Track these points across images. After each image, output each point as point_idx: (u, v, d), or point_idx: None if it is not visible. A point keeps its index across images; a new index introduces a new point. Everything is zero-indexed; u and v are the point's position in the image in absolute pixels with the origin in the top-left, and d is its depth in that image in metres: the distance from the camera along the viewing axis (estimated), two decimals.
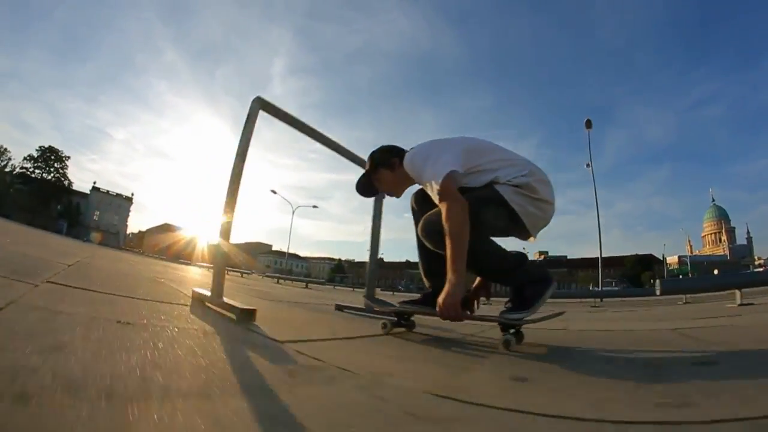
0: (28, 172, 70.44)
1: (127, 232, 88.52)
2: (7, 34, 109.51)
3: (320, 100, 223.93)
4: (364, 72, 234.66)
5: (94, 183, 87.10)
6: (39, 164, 71.72)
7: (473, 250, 1.68)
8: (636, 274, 73.17)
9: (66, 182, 74.96)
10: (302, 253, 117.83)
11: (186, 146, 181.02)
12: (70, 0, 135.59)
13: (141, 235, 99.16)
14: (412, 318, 2.15)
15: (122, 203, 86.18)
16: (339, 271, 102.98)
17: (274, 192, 42.41)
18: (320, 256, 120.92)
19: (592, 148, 23.63)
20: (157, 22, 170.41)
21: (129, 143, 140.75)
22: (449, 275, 1.67)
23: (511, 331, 1.73)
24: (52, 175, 72.93)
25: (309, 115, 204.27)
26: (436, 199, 1.79)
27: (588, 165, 23.54)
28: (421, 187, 2.00)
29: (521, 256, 1.91)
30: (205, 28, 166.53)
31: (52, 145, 74.81)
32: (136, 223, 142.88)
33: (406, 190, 2.17)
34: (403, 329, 2.10)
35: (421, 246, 2.02)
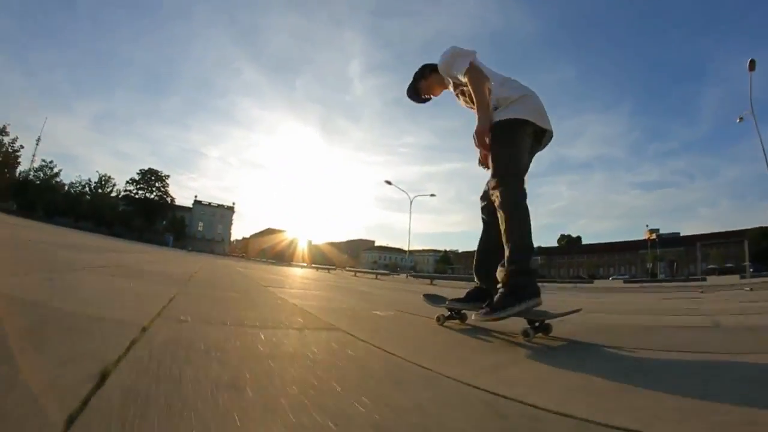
0: (132, 194, 76.93)
1: (232, 239, 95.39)
2: (98, 81, 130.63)
3: (402, 95, 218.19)
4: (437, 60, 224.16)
5: (195, 197, 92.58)
6: (141, 185, 77.80)
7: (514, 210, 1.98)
8: (763, 249, 60.30)
9: (168, 199, 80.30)
10: (406, 247, 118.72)
11: (278, 154, 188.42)
12: (147, 44, 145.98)
13: (245, 241, 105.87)
14: (463, 312, 2.43)
15: (224, 213, 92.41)
16: (445, 263, 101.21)
17: (388, 182, 39.68)
18: (424, 248, 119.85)
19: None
20: (230, 46, 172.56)
21: (223, 159, 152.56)
22: (477, 115, 2.14)
23: (536, 324, 1.93)
24: (154, 193, 78.52)
25: (394, 110, 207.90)
26: (462, 79, 2.28)
27: (741, 119, 18.78)
28: (488, 199, 2.25)
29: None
30: (278, 43, 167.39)
31: (152, 167, 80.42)
32: (240, 230, 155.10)
33: (441, 93, 2.67)
34: (456, 320, 2.44)
35: (478, 250, 2.37)
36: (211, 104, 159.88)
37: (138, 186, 78.05)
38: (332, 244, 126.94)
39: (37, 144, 71.33)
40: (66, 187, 72.65)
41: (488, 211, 2.28)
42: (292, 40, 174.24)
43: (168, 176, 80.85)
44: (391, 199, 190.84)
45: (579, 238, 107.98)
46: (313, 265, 41.04)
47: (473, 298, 2.29)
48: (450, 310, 2.43)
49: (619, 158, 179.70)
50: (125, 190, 77.53)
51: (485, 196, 2.31)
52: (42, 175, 68.73)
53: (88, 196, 72.83)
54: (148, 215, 75.73)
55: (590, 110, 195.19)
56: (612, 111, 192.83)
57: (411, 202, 37.17)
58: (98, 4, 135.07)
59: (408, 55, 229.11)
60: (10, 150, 58.85)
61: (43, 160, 71.37)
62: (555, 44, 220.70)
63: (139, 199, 77.02)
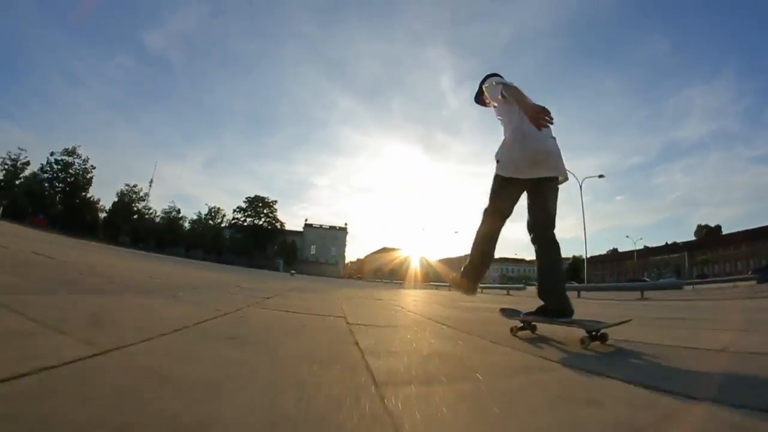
0: (240, 222, 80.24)
1: (346, 261, 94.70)
2: (205, 130, 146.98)
3: None
4: (527, 59, 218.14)
5: (306, 220, 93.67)
6: (249, 213, 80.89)
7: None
8: None
9: (278, 224, 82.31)
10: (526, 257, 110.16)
11: (385, 176, 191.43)
12: (244, 90, 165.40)
13: (360, 261, 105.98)
14: (533, 323, 2.75)
15: (337, 234, 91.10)
16: (574, 270, 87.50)
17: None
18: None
19: None
20: (322, 81, 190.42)
21: (332, 187, 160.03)
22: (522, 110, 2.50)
23: (593, 333, 2.23)
24: (262, 220, 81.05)
25: (490, 118, 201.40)
26: (496, 101, 2.86)
27: None
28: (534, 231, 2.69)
29: None
30: (367, 71, 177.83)
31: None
32: (354, 251, 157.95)
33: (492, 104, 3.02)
34: (527, 331, 2.74)
35: (538, 270, 2.63)
36: (313, 137, 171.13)
37: (245, 213, 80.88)
38: (448, 260, 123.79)
39: (150, 185, 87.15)
40: (180, 221, 79.45)
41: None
42: (380, 65, 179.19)
43: (275, 201, 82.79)
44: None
45: (719, 228, 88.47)
46: (432, 283, 40.35)
47: (542, 313, 2.58)
48: (522, 321, 2.74)
49: (733, 131, 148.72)
50: (233, 219, 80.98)
51: (531, 228, 2.70)
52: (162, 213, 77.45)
53: (197, 226, 79.02)
54: (257, 241, 77.93)
55: (692, 82, 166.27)
56: (717, 78, 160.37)
57: (581, 186, 30.44)
58: (193, 66, 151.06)
59: (494, 59, 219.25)
60: (81, 170, 64.26)
61: (170, 205, 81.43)
62: (640, 17, 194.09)
63: (247, 226, 79.68)
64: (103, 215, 69.61)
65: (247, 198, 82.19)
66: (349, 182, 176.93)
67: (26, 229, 22.25)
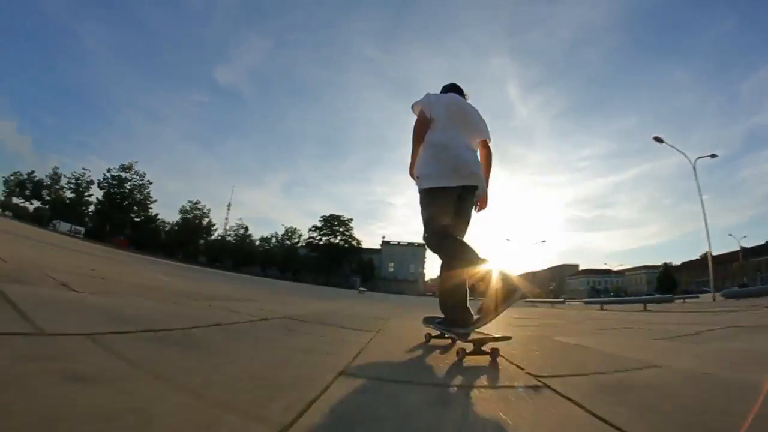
0: (315, 241, 80.00)
1: (426, 278, 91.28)
2: (281, 157, 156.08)
3: (566, 106, 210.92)
4: (591, 56, 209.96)
5: (383, 237, 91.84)
6: (324, 231, 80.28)
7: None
8: None
9: (354, 242, 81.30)
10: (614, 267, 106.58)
11: None
12: (316, 117, 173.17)
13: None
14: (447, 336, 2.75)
15: (416, 251, 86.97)
16: (666, 279, 74.37)
17: None
18: (632, 266, 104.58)
19: None
20: (390, 102, 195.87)
21: (409, 205, 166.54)
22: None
23: (477, 346, 2.29)
24: (338, 238, 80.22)
25: (562, 124, 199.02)
26: None
27: None
28: None
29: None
30: (433, 89, 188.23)
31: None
32: (435, 268, 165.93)
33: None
34: (445, 339, 2.79)
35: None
36: (387, 157, 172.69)
37: (321, 232, 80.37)
38: (532, 273, 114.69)
39: (228, 209, 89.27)
40: (257, 242, 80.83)
41: None
42: (446, 80, 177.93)
43: (351, 219, 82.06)
44: (581, 220, 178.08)
45: None
46: (530, 300, 38.34)
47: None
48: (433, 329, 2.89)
49: None
50: (309, 238, 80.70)
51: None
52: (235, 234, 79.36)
53: (267, 245, 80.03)
54: (333, 259, 77.37)
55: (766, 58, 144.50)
56: None
57: (694, 167, 25.70)
58: (265, 97, 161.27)
59: (557, 61, 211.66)
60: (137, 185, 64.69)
61: (237, 223, 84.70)
62: None
63: (323, 245, 79.21)
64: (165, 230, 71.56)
65: (322, 217, 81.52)
66: None
67: (122, 252, 22.96)
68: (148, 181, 66.76)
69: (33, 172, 62.81)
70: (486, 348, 2.25)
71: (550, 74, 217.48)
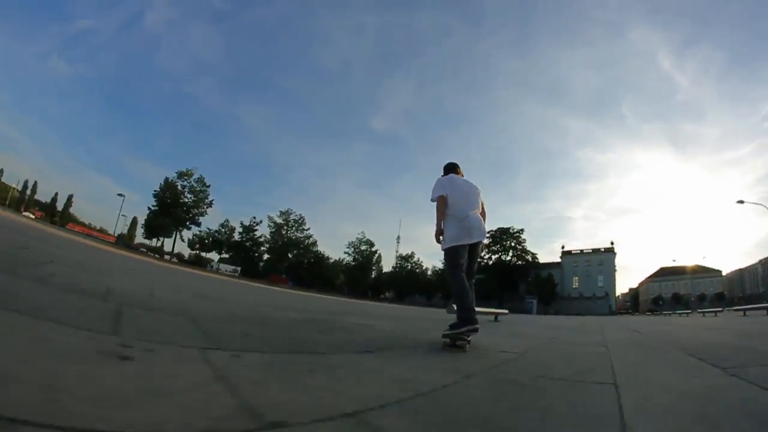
0: (484, 261, 70.84)
1: (617, 293, 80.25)
2: (381, 179, 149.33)
3: (729, 59, 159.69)
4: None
5: (563, 247, 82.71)
6: (493, 248, 73.27)
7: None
8: None
9: (528, 256, 74.43)
10: None
11: (642, 190, 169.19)
12: (474, 142, 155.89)
13: (634, 291, 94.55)
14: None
15: (603, 259, 77.03)
16: None
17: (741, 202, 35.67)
18: None
19: None
20: (543, 110, 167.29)
21: (588, 217, 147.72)
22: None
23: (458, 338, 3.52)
24: (510, 254, 73.86)
25: (733, 82, 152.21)
26: None
27: None
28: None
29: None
30: (582, 84, 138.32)
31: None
32: (626, 282, 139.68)
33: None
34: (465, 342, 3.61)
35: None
36: (555, 169, 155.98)
37: (490, 250, 72.77)
38: (738, 271, 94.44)
39: (397, 242, 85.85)
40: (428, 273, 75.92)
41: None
42: (591, 71, 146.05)
43: (522, 230, 74.83)
44: None
45: None
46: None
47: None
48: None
49: None
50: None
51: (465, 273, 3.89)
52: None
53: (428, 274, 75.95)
54: (504, 279, 70.18)
55: None
56: None
57: None
58: (421, 133, 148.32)
59: (700, 6, 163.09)
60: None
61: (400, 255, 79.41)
62: None
63: (492, 264, 72.11)
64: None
65: (489, 232, 66.96)
66: (606, 207, 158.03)
67: (292, 292, 23.60)
68: (308, 229, 70.50)
69: (212, 229, 65.10)
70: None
71: (699, 27, 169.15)
